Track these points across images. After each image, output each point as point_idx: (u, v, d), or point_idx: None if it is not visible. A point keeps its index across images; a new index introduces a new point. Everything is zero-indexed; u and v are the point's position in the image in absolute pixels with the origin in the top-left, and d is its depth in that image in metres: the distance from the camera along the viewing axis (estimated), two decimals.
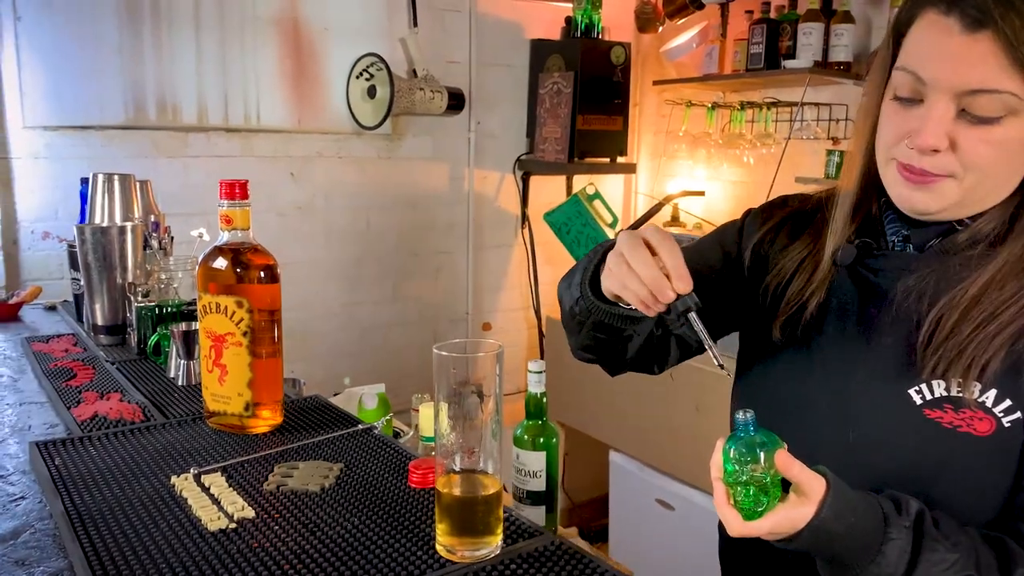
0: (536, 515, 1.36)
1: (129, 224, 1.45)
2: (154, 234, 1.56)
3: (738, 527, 0.69)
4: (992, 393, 0.74)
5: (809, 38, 2.52)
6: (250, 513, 0.81)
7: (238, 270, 1.00)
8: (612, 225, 2.88)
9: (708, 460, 0.71)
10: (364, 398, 1.57)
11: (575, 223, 2.90)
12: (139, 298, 1.37)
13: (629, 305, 0.81)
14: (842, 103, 2.60)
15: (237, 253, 1.00)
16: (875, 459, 0.79)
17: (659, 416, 2.43)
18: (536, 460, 1.35)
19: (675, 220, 3.04)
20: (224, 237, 1.01)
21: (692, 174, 3.11)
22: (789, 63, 2.53)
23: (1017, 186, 0.78)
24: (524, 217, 3.13)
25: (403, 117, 2.81)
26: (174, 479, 0.89)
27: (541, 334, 3.13)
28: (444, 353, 0.72)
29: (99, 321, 1.45)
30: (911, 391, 0.78)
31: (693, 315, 0.76)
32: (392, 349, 2.96)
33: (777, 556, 0.86)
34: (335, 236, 2.80)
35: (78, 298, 1.64)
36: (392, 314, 2.95)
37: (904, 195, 0.78)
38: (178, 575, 0.70)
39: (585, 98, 2.82)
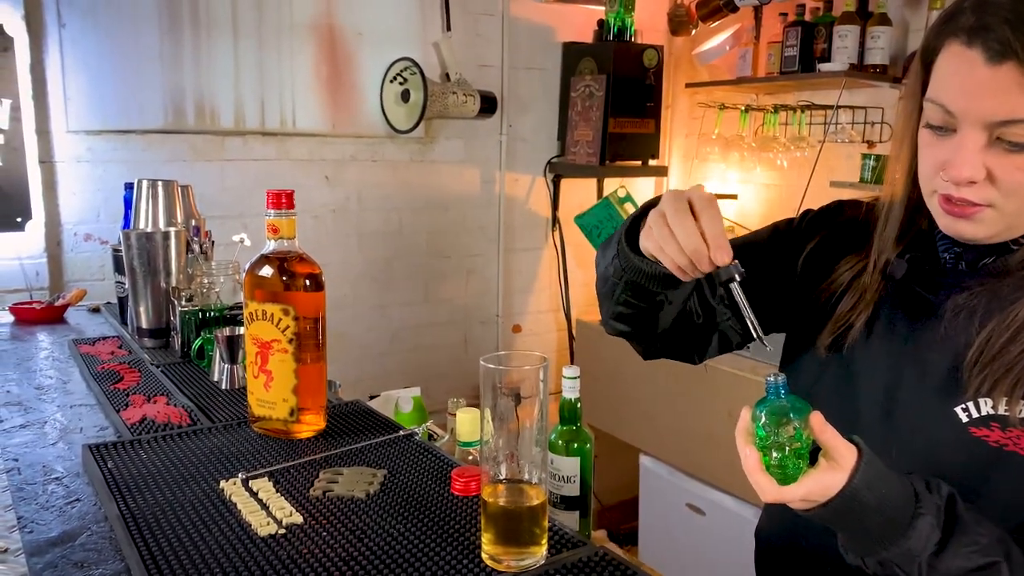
0: (570, 520, 1.37)
1: (173, 230, 1.48)
2: (195, 238, 1.59)
3: (773, 493, 0.69)
4: None
5: (844, 40, 2.50)
6: (298, 519, 0.83)
7: (284, 278, 1.02)
8: None
9: (741, 466, 0.71)
10: (400, 402, 1.59)
11: (606, 226, 2.90)
12: (183, 302, 1.40)
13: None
14: (878, 106, 2.57)
15: (283, 262, 1.02)
16: (920, 469, 0.78)
17: (690, 420, 2.42)
18: (570, 465, 1.36)
19: None
20: (271, 246, 1.03)
21: (724, 177, 3.10)
22: (824, 66, 2.51)
23: None
24: (555, 220, 3.14)
25: (435, 121, 2.84)
26: (223, 483, 0.91)
27: (571, 336, 3.13)
28: (490, 365, 0.73)
29: (143, 324, 1.48)
30: (957, 409, 0.78)
31: (735, 285, 0.75)
32: (423, 350, 2.99)
33: (813, 565, 0.86)
34: (368, 238, 2.83)
35: (122, 301, 1.68)
36: (423, 315, 2.97)
37: (949, 226, 0.79)
38: None
39: (617, 101, 2.82)
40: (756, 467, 0.69)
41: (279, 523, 0.82)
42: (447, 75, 2.81)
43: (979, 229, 0.77)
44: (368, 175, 2.80)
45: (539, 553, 0.76)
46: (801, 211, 1.00)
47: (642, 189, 3.25)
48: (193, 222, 1.67)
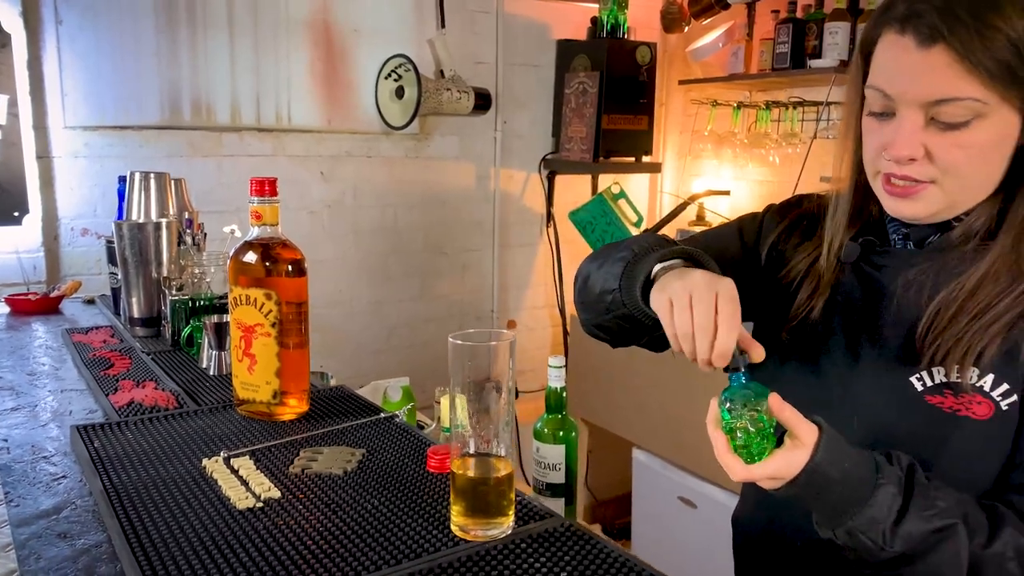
0: (556, 507, 1.39)
1: (164, 220, 1.50)
2: (188, 230, 1.62)
3: (742, 472, 0.73)
4: (990, 378, 0.78)
5: (835, 37, 2.52)
6: (276, 494, 0.86)
7: (267, 264, 1.04)
8: (637, 224, 2.90)
9: None
10: (389, 390, 1.61)
11: (600, 222, 2.92)
12: (173, 292, 1.42)
13: None
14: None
15: (267, 248, 1.05)
16: (880, 444, 0.81)
17: (682, 414, 2.44)
18: (556, 453, 1.39)
19: (700, 219, 3.05)
20: (254, 232, 1.05)
21: (718, 173, 3.12)
22: (815, 62, 2.53)
23: (1000, 182, 0.81)
24: (549, 216, 3.16)
25: (431, 117, 2.86)
26: (205, 462, 0.94)
27: (566, 332, 3.16)
28: (459, 342, 0.75)
29: (135, 313, 1.51)
30: (912, 379, 0.82)
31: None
32: (419, 346, 3.01)
33: (789, 547, 0.89)
34: (364, 234, 2.85)
35: (115, 292, 1.71)
36: (419, 311, 3.00)
37: (893, 206, 0.83)
38: (208, 549, 0.74)
39: (610, 98, 2.84)
40: (724, 449, 0.74)
41: (257, 497, 0.85)
42: (441, 72, 2.83)
43: (921, 207, 0.81)
44: (364, 171, 2.82)
45: (506, 523, 0.78)
46: (766, 205, 1.03)
47: (636, 185, 3.27)
48: (186, 214, 1.70)
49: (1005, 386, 0.78)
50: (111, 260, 1.69)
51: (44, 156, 2.31)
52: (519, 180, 3.13)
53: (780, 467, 0.72)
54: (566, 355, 3.15)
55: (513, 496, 0.79)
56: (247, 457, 0.95)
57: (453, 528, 0.78)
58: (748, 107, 2.86)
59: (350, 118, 2.77)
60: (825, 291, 0.90)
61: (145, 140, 2.45)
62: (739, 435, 0.73)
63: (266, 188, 1.03)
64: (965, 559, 0.72)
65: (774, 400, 0.72)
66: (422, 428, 1.76)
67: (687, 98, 3.17)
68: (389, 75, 2.75)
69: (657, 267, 0.83)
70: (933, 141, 0.77)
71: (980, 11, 0.73)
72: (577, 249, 3.13)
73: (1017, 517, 0.76)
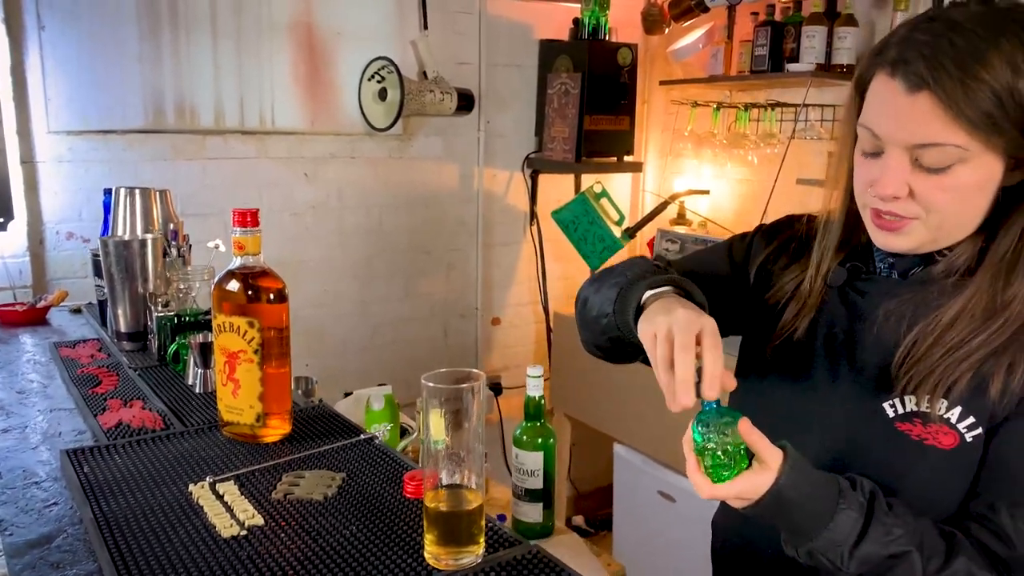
0: (534, 511, 1.45)
1: (149, 237, 1.53)
2: (173, 242, 1.65)
3: (708, 490, 0.78)
4: (957, 410, 0.82)
5: (812, 41, 2.56)
6: (259, 521, 0.90)
7: (249, 292, 1.08)
8: (619, 223, 2.94)
9: None
10: (371, 399, 1.66)
11: (582, 221, 2.96)
12: (159, 308, 1.46)
13: None
14: (843, 103, 2.63)
15: (248, 277, 1.08)
16: (849, 464, 0.87)
17: (662, 411, 2.48)
18: (534, 460, 1.44)
19: (681, 218, 3.09)
20: (237, 262, 1.09)
21: (698, 172, 3.16)
22: (792, 66, 2.57)
23: (983, 220, 0.84)
24: (533, 214, 3.20)
25: (414, 118, 2.89)
26: (192, 487, 0.98)
27: (549, 329, 3.20)
28: (432, 384, 0.79)
29: (122, 328, 1.54)
30: (885, 404, 0.86)
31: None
32: (403, 344, 3.05)
33: (765, 559, 0.94)
34: (348, 235, 2.88)
35: (102, 303, 1.74)
36: (404, 310, 3.03)
37: (881, 240, 0.86)
38: None
39: (592, 99, 2.88)
40: (694, 468, 0.79)
41: (241, 525, 0.89)
42: (424, 73, 2.86)
43: (905, 242, 0.85)
44: (348, 172, 2.85)
45: (476, 552, 0.83)
46: (756, 225, 1.08)
47: (618, 185, 3.31)
48: (171, 226, 1.73)
49: (971, 419, 0.82)
50: (97, 272, 1.72)
51: (28, 161, 2.33)
52: (502, 179, 3.16)
53: (744, 488, 0.77)
54: (549, 352, 3.20)
55: (483, 524, 0.84)
56: (232, 482, 0.99)
57: (426, 556, 0.83)
58: (728, 108, 2.90)
59: (333, 120, 2.79)
60: (810, 312, 0.94)
61: (129, 144, 2.47)
62: (708, 456, 0.78)
63: (248, 219, 1.07)
64: None
65: (742, 425, 0.77)
66: (406, 433, 1.81)
67: (668, 98, 3.20)
68: (372, 77, 2.77)
69: (648, 294, 0.88)
70: (917, 182, 0.81)
71: (966, 62, 0.75)
72: (560, 247, 3.18)
73: (973, 544, 0.80)
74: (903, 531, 0.78)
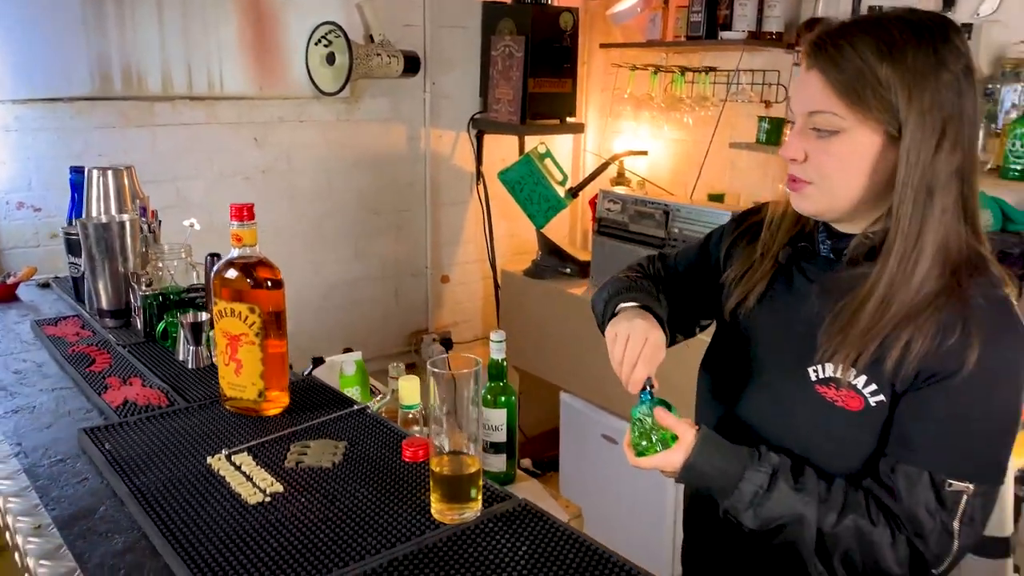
0: (499, 461, 1.60)
1: (127, 218, 1.59)
2: (143, 219, 1.70)
3: (632, 461, 1.00)
4: (863, 378, 0.96)
5: (744, 9, 2.70)
6: (279, 488, 1.02)
7: (248, 281, 1.18)
8: (562, 183, 3.06)
9: None
10: (344, 366, 1.77)
11: (528, 181, 3.07)
12: (143, 288, 1.53)
13: None
14: (774, 69, 2.80)
15: (247, 266, 1.18)
16: (781, 419, 1.04)
17: (606, 360, 2.67)
18: (498, 416, 1.59)
19: (621, 177, 3.24)
20: (235, 252, 1.18)
21: (637, 133, 3.30)
22: (725, 34, 2.72)
23: (876, 200, 0.97)
24: (479, 174, 3.30)
25: (361, 81, 2.93)
26: (210, 459, 1.09)
27: (497, 285, 3.34)
28: (437, 370, 0.92)
29: (104, 306, 1.61)
30: (809, 369, 1.01)
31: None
32: (356, 304, 3.14)
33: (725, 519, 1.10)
34: (299, 198, 2.93)
35: (76, 280, 1.79)
36: (356, 271, 3.12)
37: (792, 201, 1.03)
38: (234, 541, 0.91)
39: (535, 62, 2.97)
40: (626, 443, 1.01)
41: (264, 492, 1.01)
42: (371, 37, 2.89)
43: (806, 203, 1.01)
44: (297, 136, 2.89)
45: (476, 508, 0.98)
46: (730, 218, 1.25)
47: (560, 145, 3.43)
48: (139, 202, 1.78)
49: (874, 386, 0.96)
50: (70, 251, 1.76)
51: None
52: (448, 140, 3.24)
53: (660, 463, 0.98)
54: (497, 308, 3.34)
55: (480, 484, 0.98)
56: (245, 454, 1.11)
57: (433, 513, 0.97)
58: (665, 71, 3.04)
59: (281, 84, 2.82)
60: (762, 283, 1.10)
61: (77, 112, 2.46)
62: (634, 435, 0.99)
63: (244, 214, 1.16)
64: (811, 537, 0.94)
65: (658, 412, 0.98)
66: (374, 394, 1.94)
67: (607, 61, 3.31)
68: (319, 41, 2.80)
69: (622, 305, 1.10)
70: (810, 146, 0.97)
71: (843, 47, 0.93)
72: (506, 206, 3.29)
73: (871, 501, 0.95)
74: (800, 497, 0.95)
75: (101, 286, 1.59)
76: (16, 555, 0.98)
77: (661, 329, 1.06)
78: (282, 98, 2.83)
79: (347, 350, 2.11)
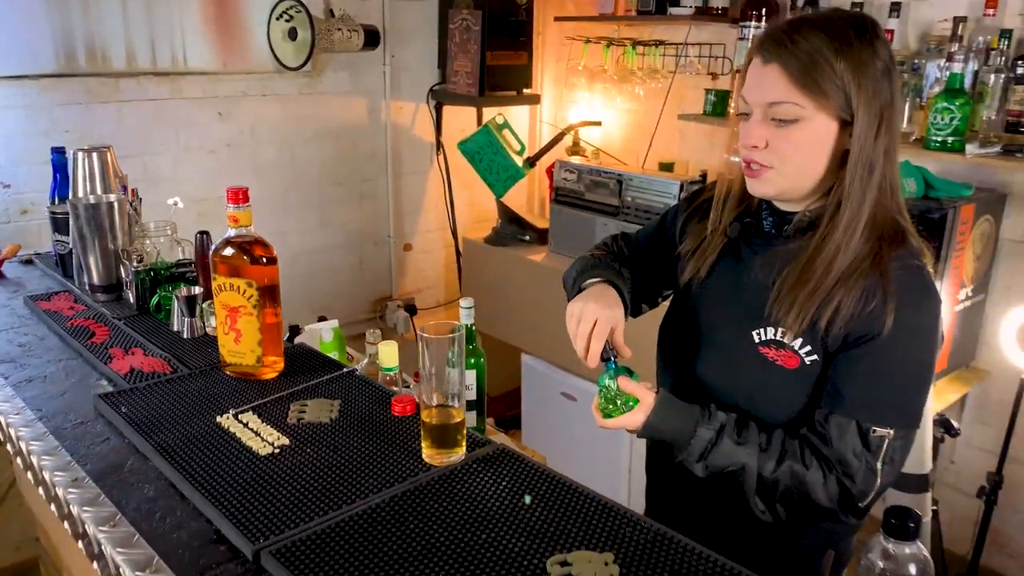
0: (470, 418, 1.76)
1: (115, 198, 1.68)
2: (124, 196, 1.79)
3: (600, 422, 1.14)
4: (799, 340, 1.09)
5: None
6: (286, 441, 1.16)
7: (245, 257, 1.29)
8: (520, 152, 3.18)
9: None
10: (323, 333, 1.89)
11: (487, 151, 3.19)
12: (135, 264, 1.63)
13: None
14: (720, 42, 2.95)
15: (244, 244, 1.30)
16: (731, 377, 1.18)
17: (564, 324, 2.83)
18: (469, 376, 1.73)
19: (576, 146, 3.37)
20: (231, 232, 1.30)
21: (590, 104, 3.44)
22: (674, 10, 2.86)
23: (823, 181, 1.09)
24: (439, 145, 3.41)
25: (322, 54, 3.00)
26: (219, 418, 1.22)
27: (458, 252, 3.47)
28: (427, 335, 1.06)
29: (96, 281, 1.70)
30: (754, 332, 1.13)
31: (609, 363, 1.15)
32: (322, 272, 3.25)
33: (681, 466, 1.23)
34: (263, 170, 3.01)
35: (63, 256, 1.87)
36: (320, 240, 3.22)
37: (750, 186, 1.14)
38: (252, 488, 1.04)
39: (492, 35, 3.07)
40: (594, 406, 1.15)
41: (272, 445, 1.15)
42: (331, 11, 2.96)
43: (767, 187, 1.11)
44: (260, 110, 2.95)
45: (461, 452, 1.13)
46: (683, 197, 1.38)
47: (518, 116, 3.55)
48: (119, 181, 1.86)
49: (808, 347, 1.09)
50: (56, 229, 1.84)
51: None
52: (409, 111, 3.34)
53: (624, 423, 1.12)
54: (459, 274, 3.47)
55: (464, 432, 1.13)
56: (250, 413, 1.24)
57: (424, 458, 1.12)
58: (616, 44, 3.17)
59: (244, 59, 2.88)
60: (713, 255, 1.21)
61: (43, 89, 2.50)
62: (601, 400, 1.13)
63: (240, 197, 1.27)
64: (753, 481, 1.08)
65: (621, 380, 1.12)
66: (351, 360, 2.06)
67: (562, 34, 3.42)
68: (280, 16, 2.86)
69: (588, 282, 1.23)
70: (771, 135, 1.06)
71: (799, 42, 1.04)
72: (466, 175, 3.40)
73: (806, 447, 1.07)
74: (743, 449, 1.09)
75: (92, 262, 1.68)
76: (53, 506, 1.10)
77: (619, 304, 1.18)
78: (245, 73, 2.89)
79: (322, 318, 2.23)
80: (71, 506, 1.02)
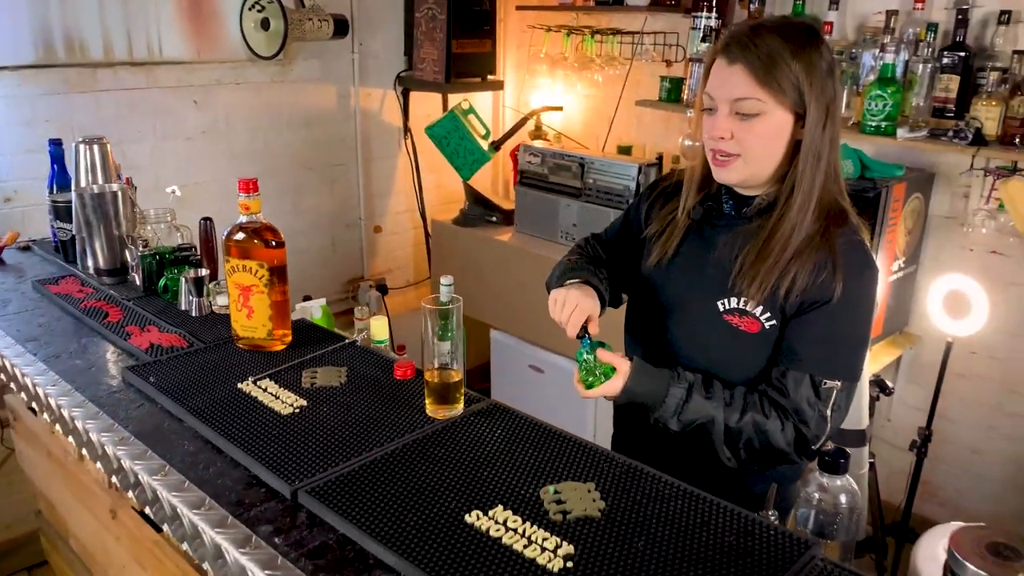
0: None
1: (118, 187, 1.80)
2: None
3: (583, 393, 1.27)
4: (760, 308, 1.24)
5: None
6: (304, 402, 1.31)
7: (257, 241, 1.44)
8: (485, 136, 3.33)
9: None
10: (312, 310, 2.04)
11: (453, 136, 3.33)
12: (140, 248, 1.75)
13: None
14: (675, 31, 3.13)
15: (254, 230, 1.44)
16: (699, 344, 1.33)
17: (531, 299, 3.00)
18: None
19: (538, 130, 3.53)
20: (242, 219, 1.44)
21: (552, 90, 3.59)
22: (631, 0, 3.03)
23: (779, 168, 1.24)
24: (406, 130, 3.53)
25: (293, 43, 3.10)
26: (240, 385, 1.36)
27: (427, 234, 3.61)
28: (430, 307, 1.22)
29: (102, 265, 1.82)
30: (718, 303, 1.27)
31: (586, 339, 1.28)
32: (295, 254, 3.29)
33: (647, 420, 1.38)
34: (238, 157, 3.11)
35: (65, 243, 1.97)
36: (294, 224, 3.33)
37: (716, 174, 1.28)
38: (280, 441, 1.20)
39: (457, 23, 3.20)
40: (575, 379, 1.28)
41: (292, 406, 1.30)
42: (302, 1, 3.06)
43: (733, 175, 1.26)
44: (234, 98, 3.05)
45: (459, 407, 1.30)
46: (646, 187, 1.51)
47: (482, 102, 3.69)
48: (114, 170, 1.97)
49: (768, 314, 1.23)
50: (57, 216, 1.95)
51: None
52: (377, 98, 3.46)
53: (605, 390, 1.25)
54: (428, 254, 3.62)
55: (463, 390, 1.30)
56: (268, 379, 1.39)
57: (428, 412, 1.29)
58: (576, 33, 3.33)
59: (218, 48, 2.97)
60: (678, 238, 1.34)
61: (23, 80, 2.56)
62: (581, 372, 1.27)
63: (250, 187, 1.41)
64: (721, 431, 1.22)
65: (600, 352, 1.25)
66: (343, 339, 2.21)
67: (524, 22, 3.57)
68: (252, 6, 2.95)
69: (568, 282, 1.36)
70: (736, 127, 1.19)
71: (760, 45, 1.16)
72: (433, 159, 3.54)
73: (766, 400, 1.22)
74: (711, 403, 1.22)
75: (98, 247, 1.80)
76: (100, 464, 1.24)
77: (595, 298, 1.32)
78: (219, 62, 2.98)
79: (307, 297, 2.37)
80: (122, 460, 1.16)
